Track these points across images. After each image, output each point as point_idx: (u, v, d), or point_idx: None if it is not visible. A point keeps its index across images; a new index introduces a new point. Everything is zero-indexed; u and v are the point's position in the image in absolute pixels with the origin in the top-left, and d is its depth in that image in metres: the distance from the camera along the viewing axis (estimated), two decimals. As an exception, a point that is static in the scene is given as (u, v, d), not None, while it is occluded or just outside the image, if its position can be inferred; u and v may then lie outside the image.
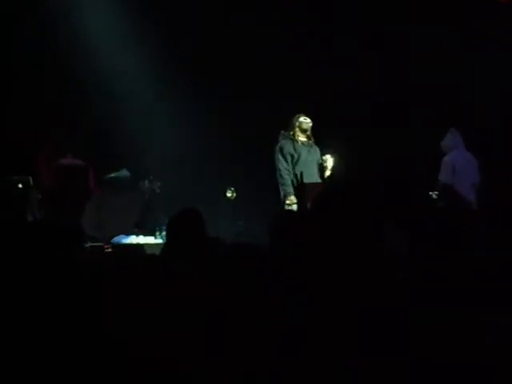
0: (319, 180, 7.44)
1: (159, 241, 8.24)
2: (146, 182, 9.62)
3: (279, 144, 7.48)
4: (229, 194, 10.64)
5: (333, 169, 7.40)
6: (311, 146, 7.49)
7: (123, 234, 8.41)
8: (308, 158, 7.42)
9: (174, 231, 3.10)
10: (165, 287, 2.07)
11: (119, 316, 2.13)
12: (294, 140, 7.43)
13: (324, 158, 7.42)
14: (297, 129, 7.43)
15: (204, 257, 2.76)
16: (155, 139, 9.80)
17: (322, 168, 7.44)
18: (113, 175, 8.98)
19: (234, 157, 9.75)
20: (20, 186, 8.05)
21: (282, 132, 7.55)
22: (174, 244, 3.02)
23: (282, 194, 7.38)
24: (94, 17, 9.39)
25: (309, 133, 7.44)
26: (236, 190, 10.50)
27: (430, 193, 7.62)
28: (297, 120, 7.44)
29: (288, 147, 7.41)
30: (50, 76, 9.26)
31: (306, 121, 7.42)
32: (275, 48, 9.32)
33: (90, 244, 6.92)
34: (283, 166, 7.37)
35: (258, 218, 7.81)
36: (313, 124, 7.45)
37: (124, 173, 8.99)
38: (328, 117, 8.44)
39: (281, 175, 7.37)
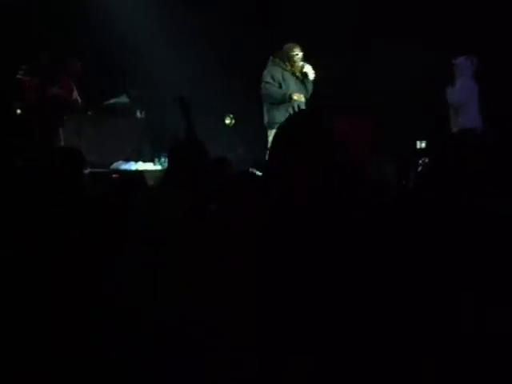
0: None
1: (158, 167, 8.28)
2: (138, 111, 9.54)
3: (268, 69, 7.28)
4: (227, 121, 10.60)
5: (315, 73, 7.16)
6: (300, 78, 7.29)
7: (121, 159, 8.44)
8: (295, 88, 7.23)
9: (176, 161, 3.08)
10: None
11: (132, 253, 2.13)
12: (283, 70, 7.24)
13: (301, 65, 7.18)
14: (287, 60, 7.21)
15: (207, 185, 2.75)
16: (154, 68, 9.69)
17: (303, 76, 7.23)
18: (112, 101, 8.93)
19: (232, 83, 9.65)
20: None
21: (271, 58, 7.34)
22: (175, 173, 3.01)
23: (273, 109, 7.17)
24: None
25: (299, 64, 7.25)
26: (235, 117, 10.46)
27: (418, 142, 7.65)
28: (288, 52, 7.21)
29: (278, 75, 7.22)
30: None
31: (298, 56, 7.19)
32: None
33: (89, 170, 6.93)
34: (272, 87, 7.18)
35: (257, 145, 7.77)
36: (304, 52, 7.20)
37: (123, 99, 8.93)
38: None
39: (269, 92, 7.17)
